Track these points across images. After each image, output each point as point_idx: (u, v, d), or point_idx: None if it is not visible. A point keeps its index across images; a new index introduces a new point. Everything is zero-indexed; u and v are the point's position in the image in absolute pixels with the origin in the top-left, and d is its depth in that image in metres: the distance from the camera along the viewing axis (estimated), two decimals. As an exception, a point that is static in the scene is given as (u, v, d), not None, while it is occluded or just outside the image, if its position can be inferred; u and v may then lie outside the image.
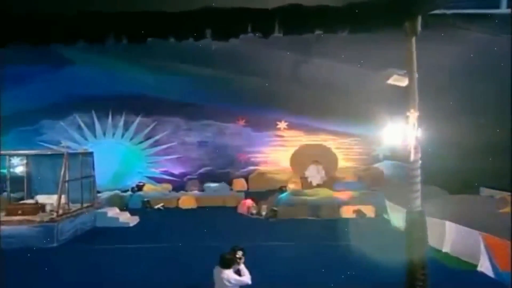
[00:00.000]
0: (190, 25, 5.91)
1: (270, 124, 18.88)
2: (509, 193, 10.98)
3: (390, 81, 5.53)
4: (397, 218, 12.34)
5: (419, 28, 5.35)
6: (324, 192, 14.55)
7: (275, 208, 13.60)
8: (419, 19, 5.26)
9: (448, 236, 9.24)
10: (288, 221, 13.02)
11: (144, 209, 15.31)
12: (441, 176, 13.12)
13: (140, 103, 17.17)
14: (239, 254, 5.66)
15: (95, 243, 10.36)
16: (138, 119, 18.26)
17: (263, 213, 13.77)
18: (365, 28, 5.48)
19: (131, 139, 18.22)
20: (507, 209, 9.77)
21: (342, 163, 18.37)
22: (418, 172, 5.40)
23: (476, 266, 8.06)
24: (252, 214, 14.15)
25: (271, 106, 16.93)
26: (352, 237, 10.45)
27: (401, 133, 5.48)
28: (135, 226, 12.50)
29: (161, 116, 18.40)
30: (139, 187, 17.07)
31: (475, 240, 8.27)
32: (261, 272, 5.94)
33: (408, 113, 5.37)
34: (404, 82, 5.37)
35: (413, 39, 5.40)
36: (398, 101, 5.81)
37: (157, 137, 18.38)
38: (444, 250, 9.27)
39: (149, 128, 18.36)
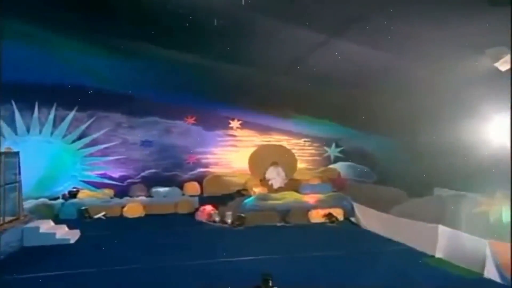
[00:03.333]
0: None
1: (222, 122, 17.45)
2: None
3: (498, 64, 4.54)
4: (370, 221, 11.84)
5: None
6: (292, 196, 13.52)
7: (242, 215, 12.19)
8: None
9: (441, 241, 8.80)
10: (257, 229, 11.75)
11: (82, 220, 12.82)
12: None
13: (75, 93, 14.32)
14: (270, 283, 4.38)
15: (25, 271, 7.88)
16: (72, 114, 15.42)
17: (228, 220, 12.28)
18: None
19: (63, 137, 15.28)
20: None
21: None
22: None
23: (473, 271, 7.73)
24: (214, 221, 12.56)
25: (223, 102, 15.44)
26: (344, 245, 9.82)
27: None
28: (77, 242, 10.11)
29: (99, 111, 15.80)
30: (73, 194, 14.36)
31: (474, 246, 7.92)
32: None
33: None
34: (508, 65, 4.43)
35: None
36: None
37: (94, 136, 15.73)
38: (437, 255, 8.82)
39: (85, 125, 15.62)
